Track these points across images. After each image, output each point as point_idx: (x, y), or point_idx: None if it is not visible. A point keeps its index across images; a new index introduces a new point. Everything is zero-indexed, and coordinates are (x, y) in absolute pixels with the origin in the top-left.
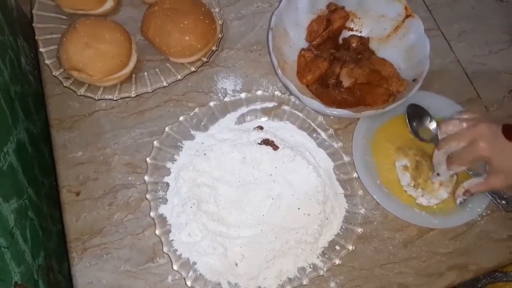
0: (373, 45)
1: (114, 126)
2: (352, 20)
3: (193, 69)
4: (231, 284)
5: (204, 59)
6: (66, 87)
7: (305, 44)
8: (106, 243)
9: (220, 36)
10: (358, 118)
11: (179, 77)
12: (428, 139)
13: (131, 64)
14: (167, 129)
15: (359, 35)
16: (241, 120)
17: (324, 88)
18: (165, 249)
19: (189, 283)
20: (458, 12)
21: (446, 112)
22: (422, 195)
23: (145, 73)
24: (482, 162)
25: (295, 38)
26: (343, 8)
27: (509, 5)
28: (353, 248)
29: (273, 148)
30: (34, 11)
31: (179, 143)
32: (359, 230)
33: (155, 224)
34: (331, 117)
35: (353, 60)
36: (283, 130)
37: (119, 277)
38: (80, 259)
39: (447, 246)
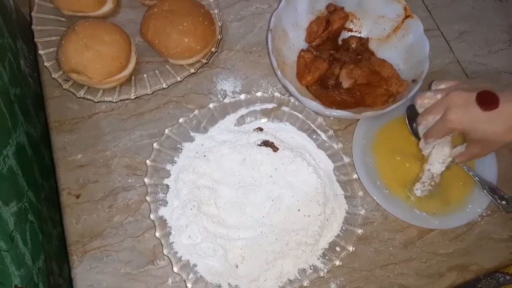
0: (372, 46)
1: (114, 128)
2: (352, 21)
3: (192, 70)
4: (231, 286)
5: (204, 61)
6: (65, 89)
7: (304, 45)
8: (106, 245)
9: (219, 37)
10: (358, 119)
11: (178, 78)
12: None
13: (131, 66)
14: (166, 131)
15: (359, 35)
16: (240, 121)
17: (324, 89)
18: (165, 251)
19: (189, 285)
20: (458, 12)
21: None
22: (418, 189)
23: (145, 75)
24: (456, 133)
25: (294, 39)
26: (342, 9)
27: (509, 5)
28: (354, 249)
29: (273, 150)
30: (33, 14)
31: (178, 145)
32: (360, 231)
33: (155, 226)
34: (331, 118)
35: (353, 61)
36: (283, 132)
37: (119, 280)
38: (80, 262)
39: (448, 247)
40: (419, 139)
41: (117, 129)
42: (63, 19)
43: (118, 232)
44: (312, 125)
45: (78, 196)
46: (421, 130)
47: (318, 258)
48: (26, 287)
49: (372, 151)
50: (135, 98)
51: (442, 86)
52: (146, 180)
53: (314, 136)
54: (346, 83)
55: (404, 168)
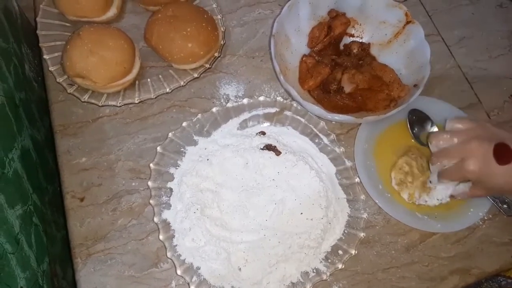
0: (374, 51)
1: (118, 132)
2: (353, 26)
3: (195, 75)
4: None
5: (207, 66)
6: (70, 93)
7: (306, 50)
8: (110, 248)
9: (222, 42)
10: (360, 124)
11: (182, 83)
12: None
13: (135, 71)
14: (170, 134)
15: (360, 41)
16: (243, 125)
17: (326, 94)
18: (169, 254)
19: None
20: (458, 18)
21: (447, 117)
22: (421, 197)
23: (148, 80)
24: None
25: (296, 44)
26: (344, 14)
27: (509, 11)
28: (356, 252)
29: (276, 153)
30: (38, 19)
31: (182, 149)
32: (362, 234)
33: (158, 229)
34: (333, 123)
35: (354, 66)
36: (285, 136)
37: (123, 282)
38: (84, 265)
39: (449, 250)
40: (420, 143)
41: (121, 133)
42: (67, 24)
43: (122, 235)
44: (314, 129)
45: (82, 199)
46: (433, 169)
47: (321, 261)
48: None
49: (374, 155)
50: (139, 102)
51: (459, 126)
52: (149, 183)
53: (317, 140)
54: (348, 88)
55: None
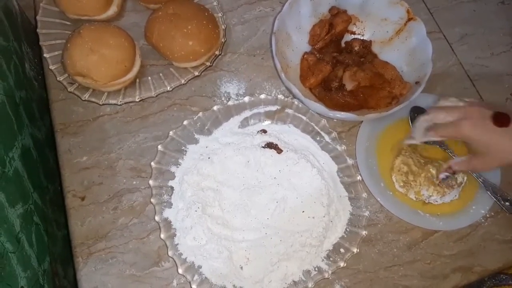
0: (375, 48)
1: (119, 130)
2: (354, 24)
3: (196, 73)
4: (236, 287)
5: (208, 64)
6: (70, 92)
7: (307, 48)
8: (111, 247)
9: (223, 40)
10: (361, 121)
11: (182, 81)
12: (431, 142)
13: (135, 69)
14: (171, 133)
15: (362, 38)
16: (244, 123)
17: (327, 91)
18: (170, 253)
19: (194, 286)
20: (460, 15)
21: None
22: (431, 195)
23: (149, 78)
24: (462, 140)
25: (297, 42)
26: (345, 11)
27: (510, 8)
28: (358, 250)
29: (277, 152)
30: (38, 17)
31: (183, 147)
32: (364, 232)
33: (160, 228)
34: (335, 120)
35: (356, 64)
36: (287, 134)
37: (124, 281)
38: (85, 264)
39: (452, 248)
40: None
41: (121, 132)
42: (68, 22)
43: (123, 234)
44: (315, 127)
45: (83, 198)
46: (421, 120)
47: (323, 260)
48: None
49: (376, 152)
50: (140, 100)
51: (461, 103)
52: (150, 182)
53: (318, 138)
54: (349, 86)
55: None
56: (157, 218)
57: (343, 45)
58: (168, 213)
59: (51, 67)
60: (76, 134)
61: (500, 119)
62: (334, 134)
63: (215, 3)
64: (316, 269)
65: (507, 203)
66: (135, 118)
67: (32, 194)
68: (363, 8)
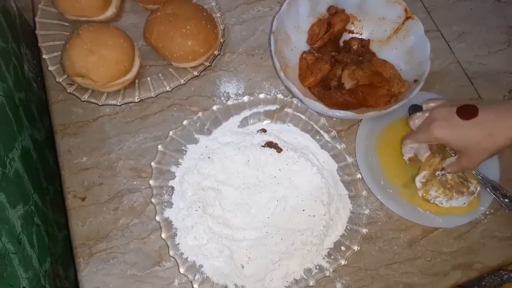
0: (373, 47)
1: (118, 131)
2: (353, 23)
3: (195, 73)
4: (237, 286)
5: (207, 64)
6: (69, 93)
7: (306, 47)
8: (112, 247)
9: (222, 40)
10: (361, 120)
11: (182, 81)
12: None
13: (134, 70)
14: (171, 133)
15: (360, 37)
16: (244, 123)
17: (326, 90)
18: (171, 253)
19: (196, 286)
20: (457, 14)
21: None
22: (437, 196)
23: (148, 78)
24: (439, 143)
25: (296, 41)
26: (343, 11)
27: (507, 6)
28: (358, 248)
29: (277, 151)
30: (36, 19)
31: (183, 147)
32: (364, 230)
33: (161, 228)
34: (334, 119)
35: (354, 62)
36: (286, 133)
37: (125, 282)
38: (86, 264)
39: (452, 245)
40: None
41: (121, 132)
42: (66, 23)
43: (124, 234)
44: (315, 126)
45: (83, 199)
46: (407, 149)
47: (324, 258)
48: None
49: (375, 151)
50: (139, 101)
51: (432, 104)
52: (151, 182)
53: (318, 137)
54: (348, 84)
55: (407, 166)
56: (157, 218)
57: (341, 44)
58: (168, 213)
59: (50, 68)
60: (76, 135)
61: (465, 112)
62: (333, 133)
63: (213, 3)
64: (317, 267)
65: (506, 200)
66: (134, 118)
67: (33, 195)
68: (361, 7)
